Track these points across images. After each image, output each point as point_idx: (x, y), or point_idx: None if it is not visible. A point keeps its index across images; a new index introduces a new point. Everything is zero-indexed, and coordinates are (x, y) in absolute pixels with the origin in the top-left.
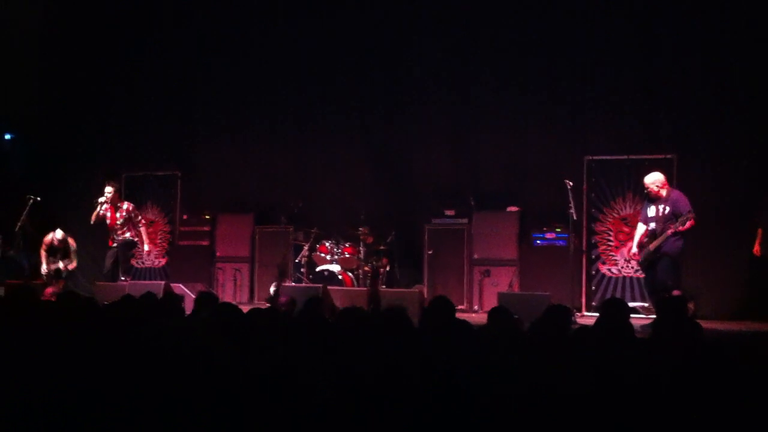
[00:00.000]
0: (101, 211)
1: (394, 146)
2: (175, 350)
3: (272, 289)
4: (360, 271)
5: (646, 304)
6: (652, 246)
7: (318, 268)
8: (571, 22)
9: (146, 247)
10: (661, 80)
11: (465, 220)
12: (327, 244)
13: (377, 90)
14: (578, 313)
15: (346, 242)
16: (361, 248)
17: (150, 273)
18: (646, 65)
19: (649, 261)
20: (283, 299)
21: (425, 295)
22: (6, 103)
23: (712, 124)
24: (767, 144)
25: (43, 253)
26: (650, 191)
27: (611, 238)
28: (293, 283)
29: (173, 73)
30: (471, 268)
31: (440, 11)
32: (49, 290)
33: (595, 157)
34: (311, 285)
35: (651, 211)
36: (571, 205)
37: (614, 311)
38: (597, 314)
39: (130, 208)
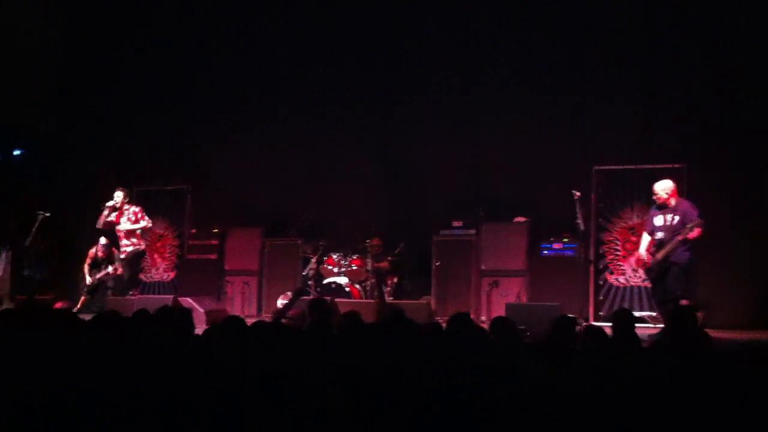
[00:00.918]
0: (109, 216)
1: (402, 158)
2: (178, 357)
3: (280, 302)
4: (368, 283)
5: (653, 314)
6: (660, 255)
7: (325, 281)
8: (580, 33)
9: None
10: (670, 89)
11: (473, 231)
12: (335, 256)
13: (385, 102)
14: (586, 323)
15: (354, 254)
16: (368, 260)
17: (159, 287)
18: (654, 74)
19: (656, 271)
20: (293, 312)
21: (433, 307)
22: (18, 117)
23: (721, 133)
24: None
25: (86, 267)
26: (659, 198)
27: (619, 248)
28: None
29: (183, 88)
30: (479, 279)
31: (449, 23)
32: (59, 305)
33: (603, 167)
34: (319, 298)
35: (658, 221)
36: (579, 215)
37: (621, 322)
38: (605, 324)
39: (138, 210)
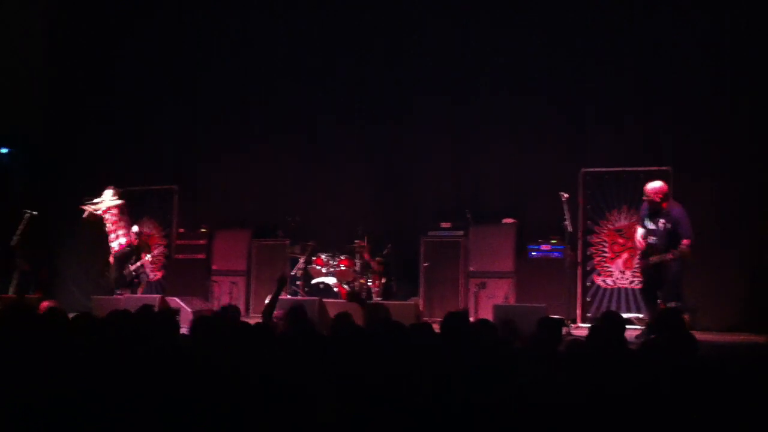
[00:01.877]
0: (93, 210)
1: (390, 159)
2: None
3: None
4: (356, 283)
5: (641, 315)
6: (652, 260)
7: (314, 281)
8: (568, 37)
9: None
10: (658, 92)
11: (461, 233)
12: (323, 256)
13: (374, 105)
14: (573, 325)
15: (342, 255)
16: (357, 261)
17: (147, 286)
18: (642, 77)
19: (648, 273)
20: (278, 313)
21: (421, 308)
22: (4, 118)
23: (708, 136)
24: (765, 155)
25: (113, 260)
26: (649, 201)
27: (606, 250)
28: (289, 296)
29: (171, 88)
30: (467, 280)
31: (440, 29)
32: (45, 304)
33: (591, 170)
34: (307, 298)
35: (650, 224)
36: (567, 217)
37: (609, 325)
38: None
39: (120, 205)
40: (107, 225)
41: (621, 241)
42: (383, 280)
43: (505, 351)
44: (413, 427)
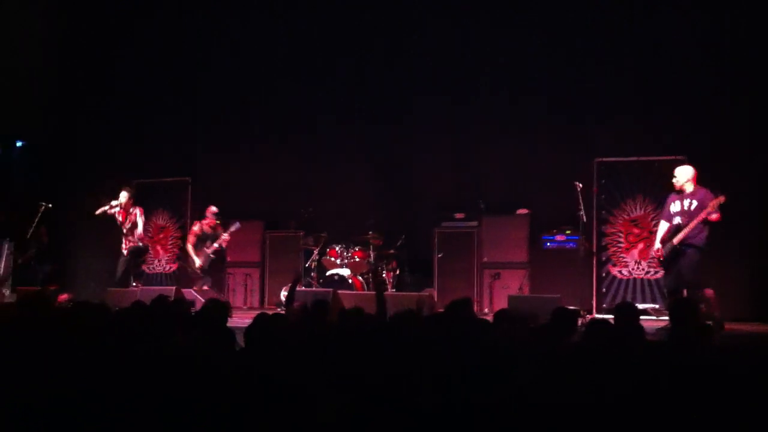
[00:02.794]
0: (111, 211)
1: (403, 150)
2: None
3: (283, 294)
4: (370, 275)
5: (656, 306)
6: (676, 240)
7: (328, 273)
8: (579, 23)
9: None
10: (671, 81)
11: (475, 224)
12: (337, 248)
13: (384, 95)
14: (588, 316)
15: (356, 246)
16: (371, 252)
17: (161, 278)
18: (655, 66)
19: (671, 257)
20: (297, 304)
21: (435, 299)
22: (16, 111)
23: (721, 125)
24: None
25: (190, 247)
26: (676, 183)
27: (621, 240)
28: (303, 288)
29: (183, 80)
30: (481, 271)
31: (444, 16)
32: (63, 297)
33: (605, 159)
34: (321, 289)
35: (675, 206)
36: (581, 207)
37: (624, 315)
38: (607, 317)
39: (138, 213)
40: (123, 225)
41: (636, 231)
42: (397, 272)
43: (507, 348)
44: (414, 427)
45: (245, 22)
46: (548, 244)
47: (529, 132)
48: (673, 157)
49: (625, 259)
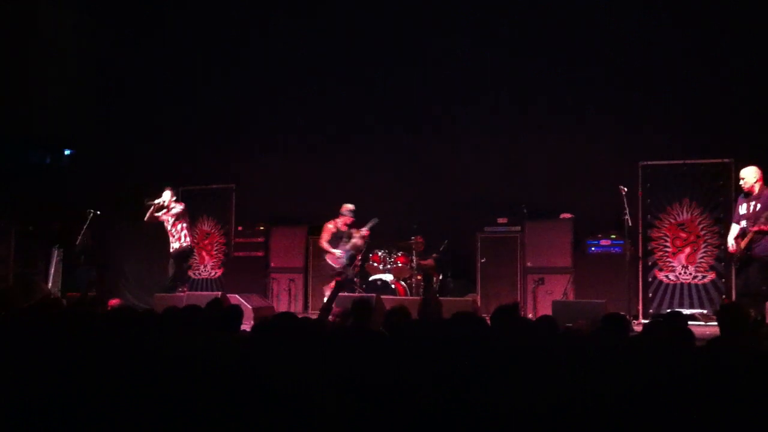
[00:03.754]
0: (156, 213)
1: (446, 155)
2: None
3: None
4: (413, 280)
5: (705, 311)
6: (743, 244)
7: (371, 278)
8: (625, 26)
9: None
10: (718, 82)
11: (518, 228)
12: (380, 253)
13: (428, 100)
14: (635, 321)
15: (399, 251)
16: (413, 258)
17: (206, 284)
18: (700, 67)
19: (742, 261)
20: (337, 310)
21: (478, 304)
22: (65, 120)
23: None
24: None
25: (326, 245)
26: (743, 184)
27: (668, 245)
28: (345, 293)
29: (227, 89)
30: (524, 276)
31: (491, 19)
32: (113, 302)
33: (650, 163)
34: (364, 294)
35: (743, 209)
36: (626, 211)
37: (675, 322)
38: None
39: (180, 208)
40: (168, 227)
41: (683, 235)
42: (440, 277)
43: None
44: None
45: (285, 27)
46: (593, 248)
47: (573, 136)
48: (719, 160)
49: (671, 264)
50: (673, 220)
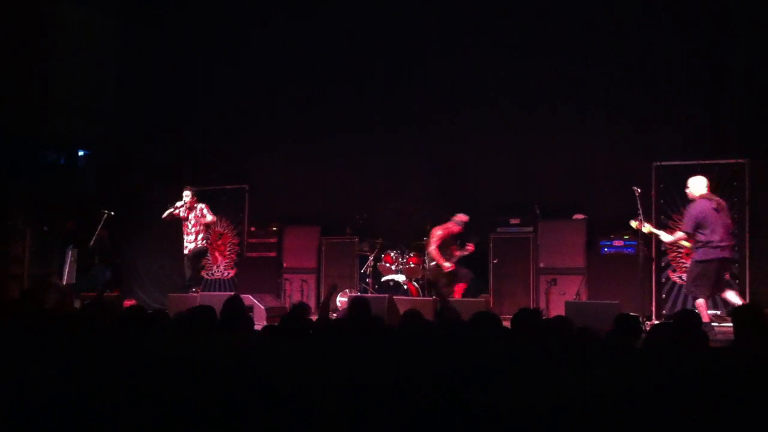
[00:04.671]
0: (176, 212)
1: (458, 156)
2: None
3: (339, 300)
4: (425, 280)
5: (718, 312)
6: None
7: (383, 278)
8: (637, 26)
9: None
10: (731, 82)
11: (530, 229)
12: (392, 254)
13: (440, 100)
14: (648, 322)
15: (411, 252)
16: (426, 258)
17: (219, 284)
18: (716, 67)
19: None
20: (342, 309)
21: (491, 305)
22: (80, 121)
23: None
24: None
25: (435, 252)
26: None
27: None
28: (358, 293)
29: (240, 89)
30: (537, 276)
31: (500, 19)
32: (128, 303)
33: (664, 163)
34: (377, 295)
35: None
36: (640, 211)
37: (688, 321)
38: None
39: (204, 206)
40: (188, 226)
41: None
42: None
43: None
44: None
45: (296, 25)
46: (606, 249)
47: (587, 136)
48: (734, 161)
49: (685, 265)
50: None
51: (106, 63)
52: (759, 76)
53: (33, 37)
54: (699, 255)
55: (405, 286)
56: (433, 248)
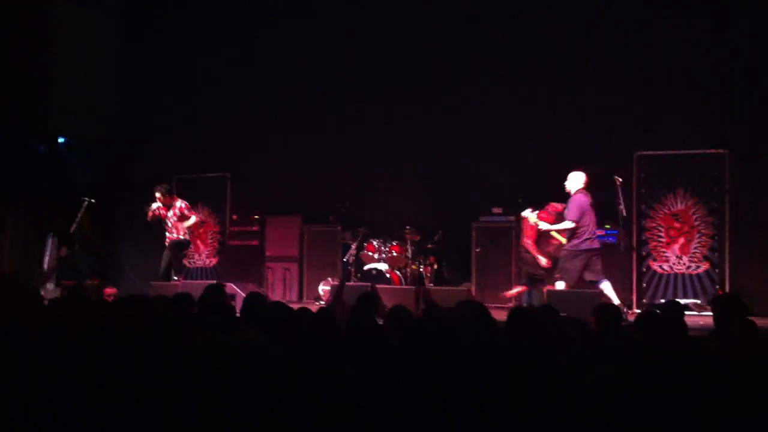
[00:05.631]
0: (156, 212)
1: (442, 146)
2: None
3: (321, 288)
4: (408, 269)
5: (698, 301)
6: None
7: (366, 267)
8: (621, 17)
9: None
10: (712, 74)
11: (513, 218)
12: (375, 242)
13: (423, 89)
14: (629, 311)
15: (394, 241)
16: (408, 247)
17: (201, 273)
18: (696, 58)
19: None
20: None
21: (474, 294)
22: (59, 109)
23: (764, 118)
24: None
25: (530, 243)
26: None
27: (662, 235)
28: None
29: (223, 77)
30: (519, 266)
31: (490, 17)
32: (109, 291)
33: (645, 153)
34: (359, 284)
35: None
36: (621, 201)
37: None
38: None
39: (183, 206)
40: (168, 223)
41: (677, 225)
42: (435, 266)
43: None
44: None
45: (281, 14)
46: None
47: (569, 125)
48: (714, 151)
49: (666, 254)
50: (667, 211)
51: (91, 50)
52: (739, 68)
53: (29, 33)
54: (575, 244)
55: (387, 275)
56: (527, 240)
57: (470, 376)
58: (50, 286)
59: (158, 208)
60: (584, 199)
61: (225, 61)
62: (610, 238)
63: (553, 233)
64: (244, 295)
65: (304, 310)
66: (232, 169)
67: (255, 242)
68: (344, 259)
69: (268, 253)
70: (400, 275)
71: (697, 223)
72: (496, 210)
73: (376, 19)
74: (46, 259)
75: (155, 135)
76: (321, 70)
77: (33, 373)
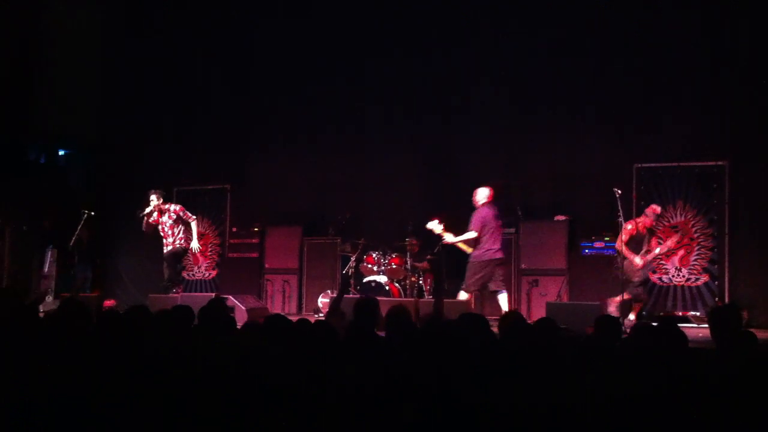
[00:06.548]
0: (150, 220)
1: (441, 156)
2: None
3: (320, 301)
4: (407, 281)
5: (698, 313)
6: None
7: (365, 279)
8: (622, 28)
9: (194, 245)
10: (712, 86)
11: (512, 230)
12: (374, 255)
13: (424, 100)
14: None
15: (393, 253)
16: (408, 259)
17: (200, 285)
18: (696, 70)
19: None
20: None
21: (472, 305)
22: (60, 120)
23: (764, 130)
24: None
25: (624, 248)
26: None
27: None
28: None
29: (223, 88)
30: (519, 278)
31: (492, 20)
32: (107, 303)
33: (645, 165)
34: (358, 296)
35: None
36: (620, 213)
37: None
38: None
39: (178, 209)
40: (163, 229)
41: (676, 237)
42: (434, 278)
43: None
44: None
45: (281, 22)
46: (587, 250)
47: (569, 138)
48: (714, 163)
49: (665, 266)
50: (666, 223)
51: (89, 61)
52: (739, 79)
53: (24, 35)
54: (479, 255)
55: (387, 287)
56: (622, 244)
57: (470, 376)
58: (49, 298)
59: (152, 210)
60: (488, 212)
61: (224, 72)
62: (610, 251)
63: (459, 245)
64: (244, 308)
65: (304, 322)
66: (231, 180)
67: (254, 254)
68: (344, 272)
69: (267, 265)
70: (399, 287)
71: (696, 235)
72: None
73: (376, 26)
74: (45, 271)
75: (156, 146)
76: (319, 82)
77: (30, 378)
